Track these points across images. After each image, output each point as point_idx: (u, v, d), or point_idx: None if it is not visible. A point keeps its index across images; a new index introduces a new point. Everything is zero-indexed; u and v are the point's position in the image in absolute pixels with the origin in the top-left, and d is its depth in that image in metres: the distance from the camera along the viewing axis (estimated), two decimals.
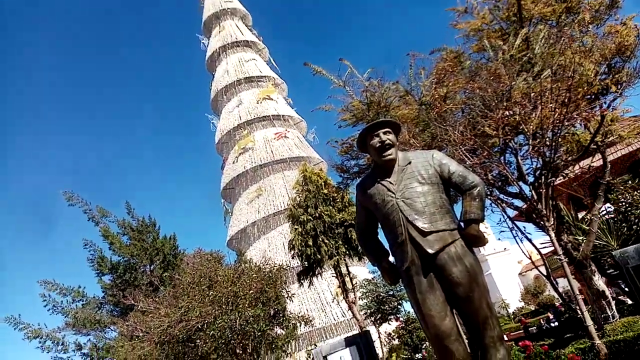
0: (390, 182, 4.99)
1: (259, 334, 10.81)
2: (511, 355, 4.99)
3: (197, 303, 10.60)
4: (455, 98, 8.67)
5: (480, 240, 4.75)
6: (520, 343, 7.20)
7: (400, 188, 4.90)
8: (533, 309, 34.55)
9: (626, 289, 17.83)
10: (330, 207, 19.83)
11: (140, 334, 12.74)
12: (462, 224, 4.86)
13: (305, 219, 20.03)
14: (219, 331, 10.42)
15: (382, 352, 22.90)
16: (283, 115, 59.96)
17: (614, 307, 10.11)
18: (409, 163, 5.02)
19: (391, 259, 5.26)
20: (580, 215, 13.40)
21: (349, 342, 6.18)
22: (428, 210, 4.75)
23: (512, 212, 11.26)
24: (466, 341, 4.97)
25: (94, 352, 21.00)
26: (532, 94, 7.45)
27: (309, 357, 13.12)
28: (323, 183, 20.15)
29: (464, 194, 4.88)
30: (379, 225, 5.33)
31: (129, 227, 22.56)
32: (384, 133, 5.06)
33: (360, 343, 6.11)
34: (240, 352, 11.41)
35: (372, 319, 27.16)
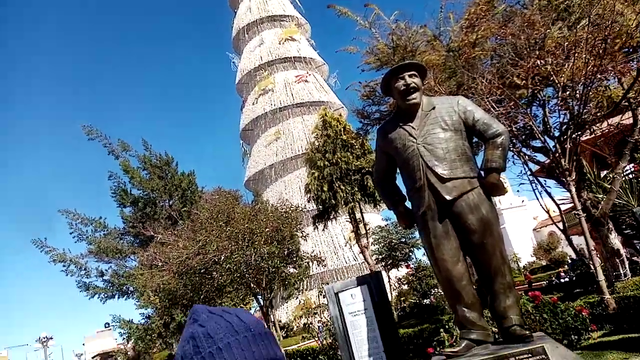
0: (413, 127, 4.92)
1: (273, 270, 11.17)
2: (520, 304, 5.09)
3: (214, 237, 10.92)
4: (485, 45, 8.33)
5: (500, 190, 4.72)
6: (529, 293, 7.32)
7: (422, 133, 4.84)
8: (544, 264, 34.83)
9: None
10: (348, 154, 19.80)
11: (159, 264, 13.28)
12: (482, 172, 4.84)
13: (322, 164, 20.08)
14: (234, 265, 10.79)
15: (392, 296, 23.56)
16: (305, 57, 58.72)
17: (627, 266, 10.13)
18: (433, 108, 4.93)
19: (407, 204, 5.30)
20: (602, 174, 13.16)
21: (360, 281, 6.32)
22: (449, 156, 4.71)
23: (533, 167, 11.12)
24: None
25: (114, 278, 22.03)
26: (567, 44, 7.11)
27: (321, 293, 13.56)
28: (342, 129, 20.02)
29: (486, 142, 4.81)
30: (398, 171, 5.34)
31: (149, 162, 22.89)
32: (410, 76, 4.93)
33: (372, 283, 6.25)
34: (254, 286, 11.86)
35: (383, 264, 27.78)
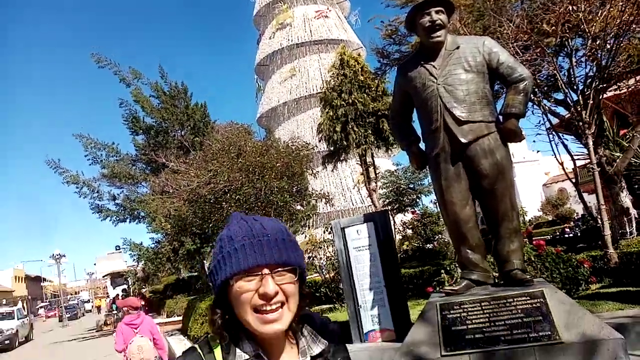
0: (434, 66, 4.81)
1: (282, 204, 11.36)
2: (523, 250, 5.17)
3: (225, 168, 11.03)
4: None
5: (517, 136, 4.67)
6: (534, 242, 7.43)
7: (444, 73, 4.73)
8: (550, 219, 35.01)
9: None
10: (365, 95, 19.42)
11: (171, 190, 13.54)
12: (500, 117, 4.77)
13: (337, 103, 19.77)
14: (244, 197, 10.99)
15: (395, 239, 23.93)
16: None
17: (634, 225, 10.16)
18: (457, 48, 4.79)
19: (421, 145, 5.28)
20: (621, 132, 12.89)
21: (367, 218, 6.43)
22: (468, 99, 4.63)
23: (552, 120, 10.91)
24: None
25: (126, 203, 22.50)
26: None
27: (326, 230, 13.83)
28: (360, 69, 19.51)
29: (509, 86, 4.70)
30: (414, 111, 5.28)
31: (162, 91, 22.70)
32: (436, 12, 4.75)
33: (378, 221, 6.36)
34: None
35: (390, 208, 28.04)
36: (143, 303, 24.25)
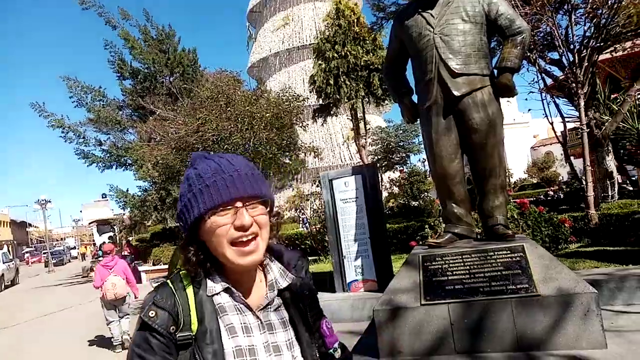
0: (432, 15, 4.67)
1: (270, 156, 11.28)
2: (507, 207, 5.22)
3: (214, 117, 10.84)
4: None
5: (511, 92, 4.61)
6: (517, 200, 7.52)
7: (441, 23, 4.60)
8: (535, 182, 35.47)
9: (634, 177, 18.02)
10: (359, 47, 19.00)
11: (158, 138, 13.34)
12: (495, 71, 4.69)
13: (331, 55, 19.36)
14: (232, 146, 10.87)
15: (382, 196, 24.16)
16: None
17: (616, 189, 10.32)
18: None
19: (414, 98, 5.19)
20: (613, 96, 12.89)
21: (355, 171, 6.43)
22: (464, 50, 4.53)
23: (546, 81, 10.82)
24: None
25: (113, 149, 22.17)
26: None
27: (315, 182, 13.89)
28: (356, 20, 19.01)
29: (506, 38, 4.59)
30: (409, 61, 5.16)
31: (149, 35, 21.91)
32: None
33: (366, 174, 6.35)
34: None
35: (379, 165, 28.14)
36: (129, 251, 24.48)
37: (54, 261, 43.28)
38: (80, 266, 33.44)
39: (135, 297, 7.94)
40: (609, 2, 7.28)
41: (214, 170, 1.10)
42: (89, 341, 8.81)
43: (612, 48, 9.69)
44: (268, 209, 1.13)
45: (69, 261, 55.06)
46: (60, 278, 28.45)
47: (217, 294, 1.12)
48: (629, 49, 10.56)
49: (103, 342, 8.43)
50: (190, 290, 1.11)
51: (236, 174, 1.09)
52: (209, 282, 1.12)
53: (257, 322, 1.14)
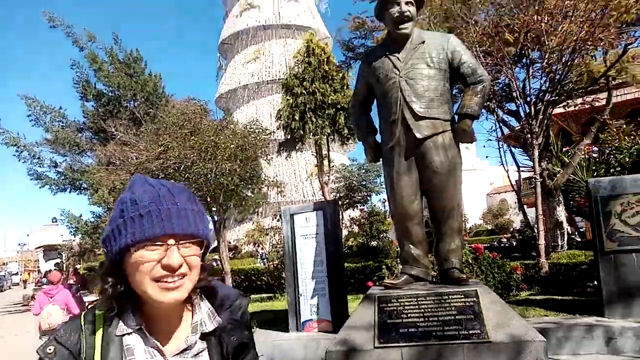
0: (398, 59, 4.80)
1: (232, 187, 11.12)
2: (462, 251, 5.29)
3: (177, 144, 10.65)
4: None
5: (469, 137, 4.76)
6: (472, 245, 7.65)
7: (407, 67, 4.74)
8: (489, 228, 36.39)
9: (581, 229, 18.78)
10: (327, 86, 19.40)
11: (117, 162, 12.96)
12: (456, 117, 4.84)
13: (298, 91, 19.66)
14: (194, 176, 10.67)
15: (342, 234, 24.14)
16: None
17: (565, 239, 10.70)
18: (423, 42, 4.80)
19: (378, 138, 5.28)
20: (564, 149, 13.55)
21: (317, 206, 6.40)
22: (428, 95, 4.66)
23: (503, 130, 11.30)
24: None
25: (68, 172, 21.37)
26: (567, 2, 6.99)
27: (275, 216, 13.75)
28: (326, 59, 19.46)
29: (467, 86, 4.77)
30: (374, 102, 5.27)
31: (116, 58, 21.67)
32: (406, 3, 4.74)
33: (328, 210, 6.34)
34: (210, 201, 11.82)
35: (340, 203, 28.25)
36: (75, 280, 23.28)
37: None
38: (21, 293, 31.42)
39: None
40: (563, 60, 7.75)
41: (151, 198, 1.00)
42: None
43: (565, 103, 10.25)
44: (202, 250, 1.04)
45: (9, 287, 51.71)
46: None
47: (127, 334, 1.01)
48: (580, 105, 11.20)
49: None
50: (100, 328, 1.02)
51: (175, 207, 1.00)
52: (122, 320, 1.02)
53: None
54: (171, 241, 0.98)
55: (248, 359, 1.15)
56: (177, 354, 1.04)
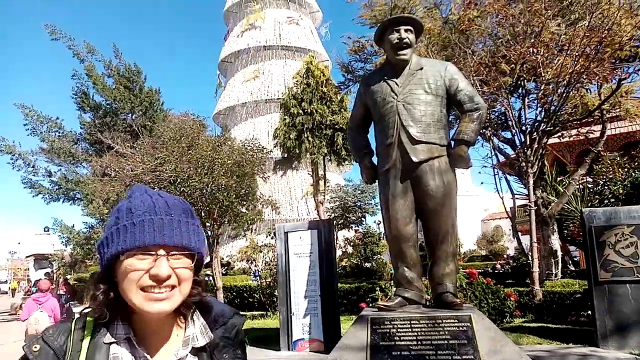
0: (396, 84, 4.88)
1: (227, 204, 11.11)
2: (457, 275, 5.29)
3: (174, 158, 10.67)
4: (485, 21, 8.27)
5: (465, 163, 4.80)
6: (467, 270, 7.65)
7: (405, 91, 4.81)
8: (484, 254, 36.37)
9: (575, 258, 18.79)
10: (325, 107, 19.59)
11: (112, 174, 12.94)
12: (452, 142, 4.89)
13: (296, 111, 19.84)
14: (190, 190, 10.66)
15: (336, 254, 24.02)
16: None
17: (559, 268, 10.71)
18: (421, 69, 4.88)
19: (374, 160, 5.32)
20: (559, 179, 13.66)
21: (312, 225, 6.40)
22: (425, 120, 4.72)
23: (499, 158, 11.40)
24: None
25: (62, 181, 21.30)
26: (562, 37, 7.15)
27: (269, 234, 13.68)
28: (325, 81, 19.70)
29: (464, 113, 4.83)
30: (372, 124, 5.33)
31: (116, 71, 21.81)
32: (405, 30, 4.84)
33: (322, 230, 6.34)
34: (205, 215, 11.79)
35: (335, 223, 28.19)
36: (65, 290, 22.95)
37: None
38: (9, 302, 30.89)
39: None
40: (559, 91, 7.89)
41: (146, 208, 1.01)
42: None
43: (560, 133, 10.38)
44: (194, 264, 1.04)
45: None
46: None
47: (115, 342, 1.01)
48: (574, 136, 11.35)
49: None
50: (88, 334, 1.01)
51: (168, 218, 1.00)
52: (111, 329, 1.01)
53: None
54: (161, 252, 0.98)
55: None
56: None
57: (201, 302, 1.11)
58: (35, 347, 0.97)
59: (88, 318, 1.03)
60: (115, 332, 1.01)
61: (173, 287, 1.00)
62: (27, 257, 55.10)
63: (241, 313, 1.21)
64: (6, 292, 52.50)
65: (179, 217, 1.02)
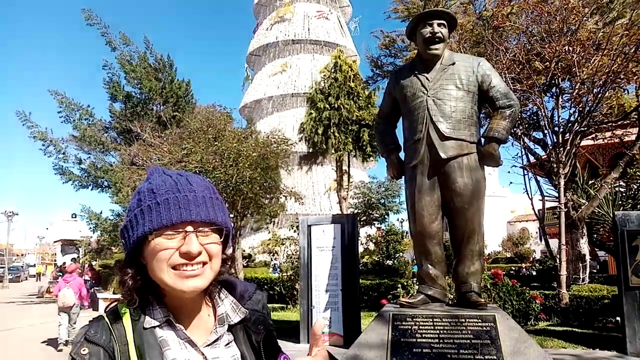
0: (427, 78, 4.80)
1: (251, 195, 11.18)
2: (482, 274, 5.20)
3: (200, 149, 10.79)
4: (519, 17, 8.07)
5: (495, 161, 4.70)
6: (492, 270, 7.52)
7: (435, 87, 4.72)
8: (509, 256, 35.76)
9: (604, 260, 18.28)
10: (352, 102, 19.48)
11: (140, 162, 13.16)
12: (482, 139, 4.80)
13: (323, 106, 19.78)
14: (215, 181, 10.77)
15: (358, 250, 23.98)
16: None
17: (587, 272, 10.44)
18: (453, 64, 4.79)
19: (401, 155, 5.25)
20: (590, 182, 13.29)
21: (335, 219, 6.39)
22: (455, 116, 4.63)
23: (529, 158, 11.16)
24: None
25: (92, 169, 21.79)
26: (600, 35, 6.92)
27: (292, 227, 13.73)
28: (352, 75, 19.58)
29: (496, 110, 4.72)
30: (400, 119, 5.26)
31: (147, 62, 22.08)
32: (438, 25, 4.75)
33: (346, 224, 6.32)
34: (229, 207, 11.92)
35: (358, 219, 28.11)
36: (91, 275, 23.52)
37: (10, 277, 41.16)
38: (37, 285, 31.89)
39: (83, 307, 10.65)
40: (594, 91, 7.65)
41: (168, 187, 0.99)
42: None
43: (593, 135, 10.08)
44: (222, 239, 1.03)
45: (26, 279, 52.52)
46: (14, 296, 27.05)
47: (157, 326, 1.00)
48: (608, 138, 11.01)
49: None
50: (127, 323, 0.99)
51: (192, 195, 0.99)
52: (148, 313, 1.00)
53: (202, 359, 1.01)
54: (189, 228, 0.97)
55: (273, 349, 1.14)
56: (208, 345, 1.03)
57: (225, 280, 1.11)
58: (84, 349, 0.95)
59: (121, 309, 1.02)
60: (154, 316, 1.00)
61: (204, 263, 0.99)
62: (54, 242, 56.68)
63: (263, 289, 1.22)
64: (34, 276, 54.05)
65: (202, 193, 1.01)
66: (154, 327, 0.99)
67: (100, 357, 0.94)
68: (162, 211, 0.96)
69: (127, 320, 1.00)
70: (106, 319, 1.01)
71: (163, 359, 0.96)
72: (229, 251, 1.10)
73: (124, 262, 1.03)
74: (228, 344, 1.07)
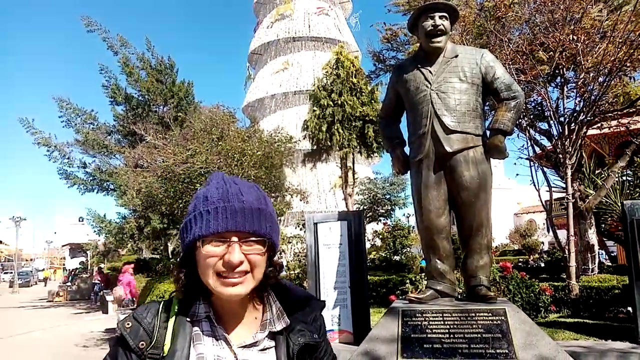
0: (430, 72, 4.76)
1: None
2: (491, 268, 5.17)
3: (204, 149, 10.80)
4: (522, 7, 7.99)
5: (501, 153, 4.65)
6: (500, 263, 7.48)
7: (439, 80, 4.69)
8: (516, 248, 35.63)
9: (612, 253, 18.18)
10: (355, 98, 19.40)
11: (145, 164, 13.19)
12: (487, 132, 4.75)
13: (326, 103, 19.72)
14: None
15: (365, 246, 23.92)
16: None
17: (596, 263, 10.38)
18: (456, 56, 4.75)
19: (406, 150, 5.22)
20: (597, 171, 13.20)
21: (341, 216, 6.36)
22: (459, 109, 4.59)
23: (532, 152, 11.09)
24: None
25: (96, 172, 21.83)
26: (605, 23, 6.84)
27: (298, 225, 13.72)
28: (354, 71, 19.49)
29: (501, 102, 4.68)
30: (404, 113, 5.22)
31: (148, 64, 22.08)
32: (440, 17, 4.71)
33: (352, 221, 6.28)
34: None
35: (364, 215, 28.04)
36: (100, 279, 23.61)
37: (20, 282, 41.41)
38: (47, 289, 32.05)
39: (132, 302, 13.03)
40: (599, 80, 7.58)
41: (220, 195, 1.06)
42: None
43: (599, 124, 10.00)
44: (265, 250, 1.08)
45: (36, 283, 52.78)
46: (24, 300, 27.23)
47: (197, 320, 1.09)
48: (615, 127, 10.91)
49: None
50: (174, 312, 1.10)
51: (240, 205, 1.05)
52: (193, 308, 1.10)
53: (232, 358, 1.08)
54: (234, 238, 1.03)
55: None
56: (243, 346, 1.10)
57: (278, 285, 1.17)
58: (128, 324, 1.07)
59: (175, 300, 1.13)
60: (197, 311, 1.09)
61: (246, 272, 1.05)
62: (62, 246, 57.02)
63: (323, 300, 1.27)
64: (42, 280, 54.18)
65: (251, 204, 1.06)
66: (194, 320, 1.09)
67: (139, 334, 1.05)
68: (210, 219, 1.04)
69: (174, 309, 1.11)
70: (160, 305, 1.13)
71: (190, 350, 1.05)
72: (277, 259, 1.15)
73: (180, 260, 1.13)
74: (265, 349, 1.12)
